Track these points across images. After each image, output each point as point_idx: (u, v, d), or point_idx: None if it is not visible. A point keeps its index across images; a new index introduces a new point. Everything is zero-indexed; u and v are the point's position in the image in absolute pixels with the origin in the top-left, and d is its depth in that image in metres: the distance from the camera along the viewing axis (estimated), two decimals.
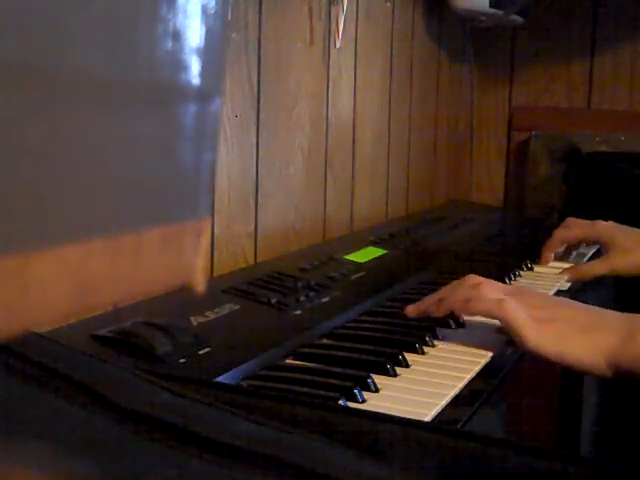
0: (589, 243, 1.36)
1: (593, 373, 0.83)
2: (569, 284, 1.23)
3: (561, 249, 1.37)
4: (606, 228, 1.26)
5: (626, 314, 0.86)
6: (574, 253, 1.38)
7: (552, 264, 1.34)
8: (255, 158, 1.15)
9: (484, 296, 0.88)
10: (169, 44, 0.29)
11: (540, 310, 0.87)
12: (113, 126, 0.28)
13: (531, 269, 1.31)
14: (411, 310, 0.96)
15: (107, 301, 0.30)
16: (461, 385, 0.78)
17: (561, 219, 1.89)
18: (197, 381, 0.56)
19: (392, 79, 1.62)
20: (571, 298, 0.98)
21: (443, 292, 0.95)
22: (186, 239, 0.32)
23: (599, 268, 1.24)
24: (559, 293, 1.18)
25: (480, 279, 0.93)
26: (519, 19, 1.80)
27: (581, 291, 1.21)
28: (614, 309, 0.90)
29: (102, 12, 0.26)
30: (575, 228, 1.32)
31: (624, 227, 1.26)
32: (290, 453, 0.42)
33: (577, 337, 0.83)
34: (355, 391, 0.72)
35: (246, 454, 0.43)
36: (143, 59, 0.28)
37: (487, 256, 1.39)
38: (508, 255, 1.40)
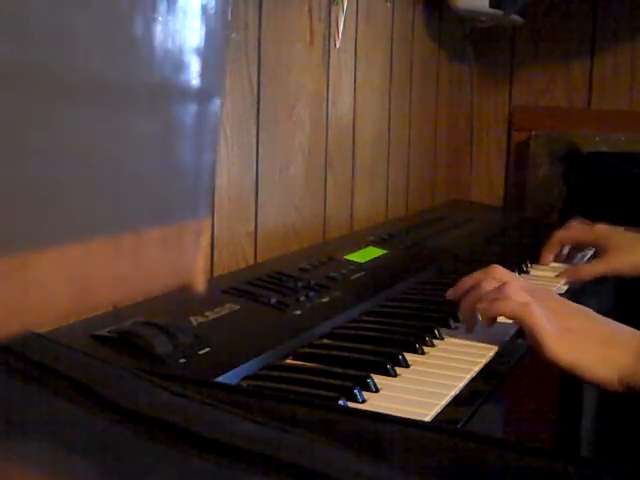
0: (587, 245, 1.36)
1: (605, 387, 0.83)
2: (566, 287, 1.22)
3: (563, 251, 1.37)
4: (603, 230, 1.28)
5: None
6: (579, 256, 1.38)
7: (552, 265, 1.34)
8: (255, 158, 1.15)
9: (509, 297, 0.88)
10: (169, 44, 0.29)
11: (560, 316, 0.86)
12: (113, 126, 0.28)
13: (527, 272, 1.30)
14: (449, 294, 0.98)
15: (107, 301, 0.30)
16: (461, 385, 0.78)
17: (561, 219, 1.90)
18: (197, 381, 0.56)
19: (392, 79, 1.62)
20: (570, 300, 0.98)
21: (469, 282, 0.95)
22: (186, 239, 0.32)
23: (598, 268, 1.24)
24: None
25: (504, 275, 0.94)
26: (519, 19, 1.80)
27: (579, 293, 1.21)
28: (613, 313, 0.90)
29: (102, 12, 0.26)
30: (574, 230, 1.33)
31: (620, 229, 1.27)
32: (290, 453, 0.42)
33: (593, 350, 0.83)
34: (355, 391, 0.72)
35: (246, 454, 0.43)
36: (143, 59, 0.28)
37: (487, 256, 1.38)
38: (508, 255, 1.40)
